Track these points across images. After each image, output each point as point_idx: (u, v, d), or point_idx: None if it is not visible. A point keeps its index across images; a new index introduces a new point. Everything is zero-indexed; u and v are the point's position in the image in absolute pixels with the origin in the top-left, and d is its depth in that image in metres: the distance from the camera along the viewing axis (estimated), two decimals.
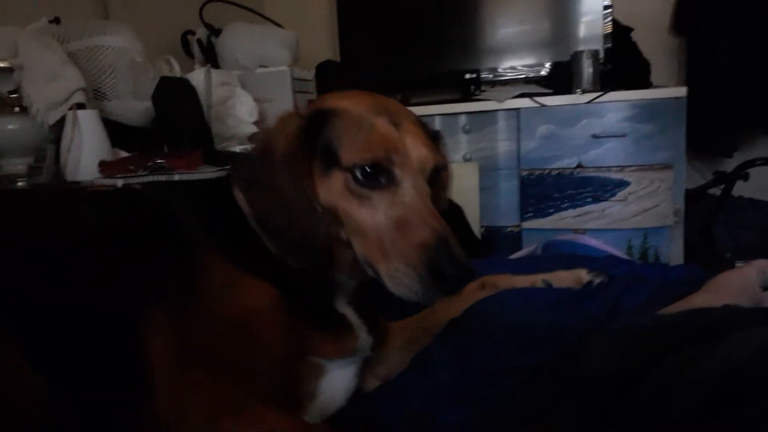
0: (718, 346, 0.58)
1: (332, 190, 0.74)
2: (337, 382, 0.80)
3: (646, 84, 2.46)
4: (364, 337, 0.81)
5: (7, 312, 0.71)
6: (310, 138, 0.75)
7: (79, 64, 1.74)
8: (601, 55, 2.50)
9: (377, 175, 0.72)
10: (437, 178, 0.79)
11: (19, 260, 0.75)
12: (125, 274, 0.73)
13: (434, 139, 0.83)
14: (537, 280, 0.99)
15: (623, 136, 2.35)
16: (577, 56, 2.44)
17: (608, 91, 2.35)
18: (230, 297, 0.71)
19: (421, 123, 0.81)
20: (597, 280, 0.97)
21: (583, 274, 0.99)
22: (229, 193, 0.79)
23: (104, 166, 1.57)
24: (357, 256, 0.74)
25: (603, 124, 2.38)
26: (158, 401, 0.66)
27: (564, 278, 1.00)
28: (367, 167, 0.72)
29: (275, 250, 0.74)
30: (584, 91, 2.40)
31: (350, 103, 0.77)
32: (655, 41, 2.66)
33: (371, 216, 0.71)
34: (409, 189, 0.72)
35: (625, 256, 1.64)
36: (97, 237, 0.78)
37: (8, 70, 1.62)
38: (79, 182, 1.60)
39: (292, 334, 0.73)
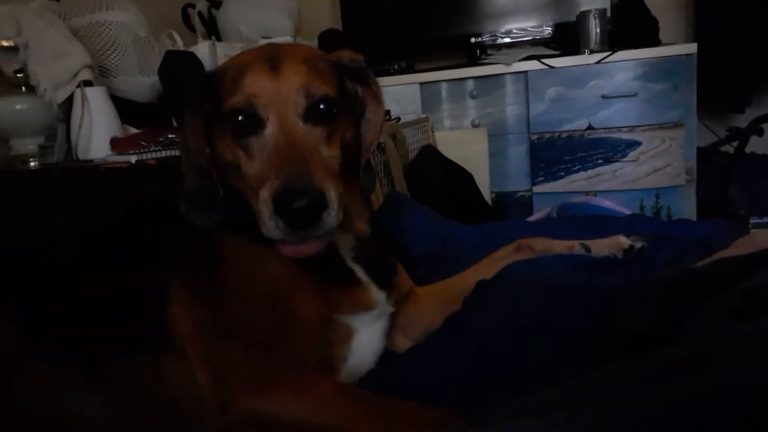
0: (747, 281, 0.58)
1: (228, 145, 0.73)
2: (366, 342, 0.81)
3: (654, 42, 2.42)
4: (375, 291, 0.81)
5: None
6: (208, 97, 0.76)
7: (81, 41, 1.71)
8: (608, 14, 2.45)
9: (250, 122, 0.71)
10: (332, 111, 0.74)
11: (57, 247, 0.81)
12: (145, 261, 0.77)
13: (356, 72, 0.81)
14: (574, 244, 0.97)
15: (633, 95, 2.33)
16: (583, 16, 2.40)
17: (616, 51, 2.32)
18: (251, 269, 0.73)
19: (320, 59, 0.78)
20: (638, 245, 0.95)
21: (623, 240, 0.96)
22: None
23: (116, 143, 1.56)
24: None
25: (612, 84, 2.35)
26: (199, 381, 0.68)
27: (604, 244, 0.97)
28: (237, 116, 0.71)
29: (180, 208, 0.74)
30: (592, 52, 2.37)
31: (239, 58, 0.78)
32: None
33: (252, 165, 0.71)
34: (272, 129, 0.70)
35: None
36: (118, 231, 0.83)
37: (13, 49, 1.59)
38: (91, 160, 1.59)
39: (316, 295, 0.74)
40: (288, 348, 0.69)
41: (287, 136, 0.69)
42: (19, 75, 1.64)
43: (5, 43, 1.59)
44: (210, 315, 0.70)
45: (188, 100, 0.76)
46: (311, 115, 0.72)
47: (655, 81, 2.30)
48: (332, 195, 0.65)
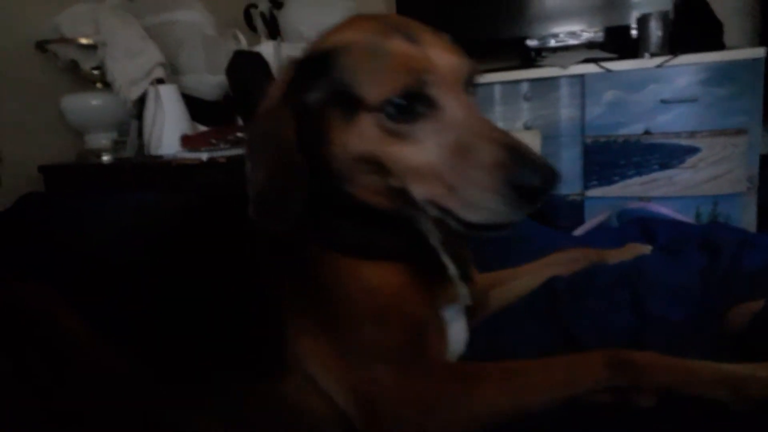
0: None
1: (364, 136, 0.64)
2: (457, 336, 0.77)
3: (719, 46, 2.36)
4: (460, 285, 0.76)
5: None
6: (314, 84, 0.66)
7: (154, 39, 1.77)
8: (671, 16, 2.41)
9: (413, 105, 0.62)
10: (473, 89, 0.68)
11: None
12: (251, 279, 0.71)
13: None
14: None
15: (694, 100, 2.28)
16: (644, 18, 2.36)
17: (678, 55, 2.27)
18: (361, 284, 0.68)
19: (437, 32, 0.69)
20: None
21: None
22: None
23: (186, 140, 1.61)
24: (415, 200, 0.65)
25: (672, 89, 2.31)
26: (339, 405, 0.66)
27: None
28: (399, 100, 0.61)
29: (250, 213, 0.65)
30: (653, 55, 2.32)
31: (353, 34, 0.67)
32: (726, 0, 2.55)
33: (421, 152, 0.62)
34: (454, 108, 0.62)
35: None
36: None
37: (91, 47, 1.66)
38: (161, 156, 1.64)
39: (425, 293, 0.71)
40: (426, 353, 0.66)
41: (473, 113, 0.62)
42: (95, 72, 1.71)
43: (84, 41, 1.66)
44: (335, 339, 0.66)
45: (274, 90, 0.67)
46: (470, 88, 0.66)
47: (718, 86, 2.25)
48: None
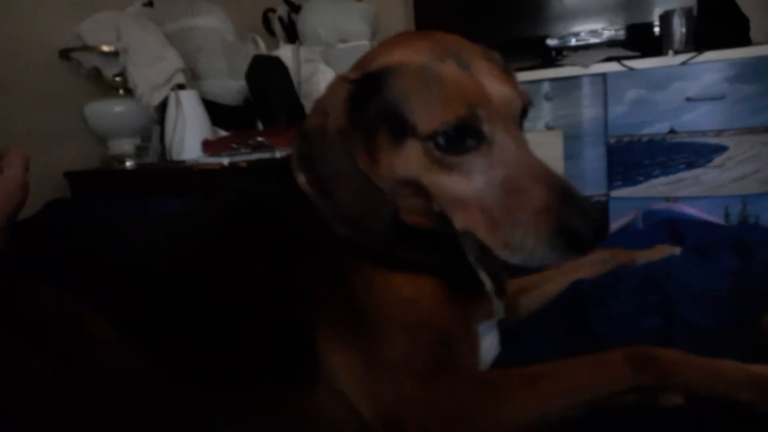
0: None
1: (410, 161, 0.64)
2: (488, 350, 0.77)
3: (745, 42, 2.30)
4: (495, 302, 0.76)
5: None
6: (365, 104, 0.65)
7: (174, 45, 1.79)
8: (695, 12, 2.36)
9: (463, 137, 0.61)
10: (524, 120, 0.67)
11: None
12: (286, 296, 0.69)
13: (506, 71, 0.70)
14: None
15: (721, 98, 2.23)
16: (667, 15, 2.32)
17: (703, 51, 2.22)
18: (397, 296, 0.67)
19: (489, 54, 0.68)
20: None
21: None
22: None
23: (207, 145, 1.61)
24: (457, 227, 0.65)
25: (698, 86, 2.26)
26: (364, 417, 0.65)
27: None
28: (450, 130, 0.60)
29: (339, 230, 0.64)
30: (677, 53, 2.28)
31: (404, 55, 0.65)
32: None
33: (467, 184, 0.61)
34: (506, 143, 0.61)
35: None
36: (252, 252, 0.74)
37: (113, 54, 1.68)
38: (183, 161, 1.66)
39: (459, 306, 0.70)
40: (456, 367, 0.65)
41: (524, 150, 0.62)
42: (118, 78, 1.73)
43: (106, 48, 1.68)
44: (364, 350, 0.64)
45: (336, 111, 0.65)
46: (522, 121, 0.66)
47: (745, 83, 2.20)
48: None
